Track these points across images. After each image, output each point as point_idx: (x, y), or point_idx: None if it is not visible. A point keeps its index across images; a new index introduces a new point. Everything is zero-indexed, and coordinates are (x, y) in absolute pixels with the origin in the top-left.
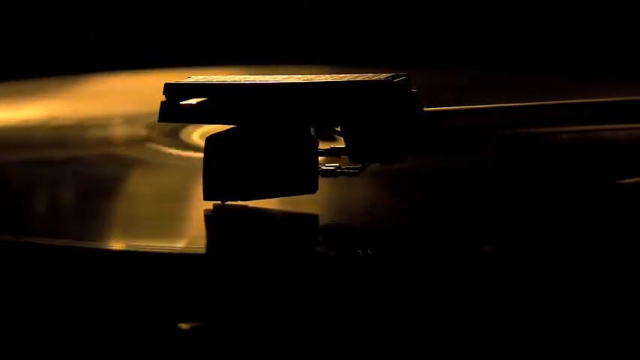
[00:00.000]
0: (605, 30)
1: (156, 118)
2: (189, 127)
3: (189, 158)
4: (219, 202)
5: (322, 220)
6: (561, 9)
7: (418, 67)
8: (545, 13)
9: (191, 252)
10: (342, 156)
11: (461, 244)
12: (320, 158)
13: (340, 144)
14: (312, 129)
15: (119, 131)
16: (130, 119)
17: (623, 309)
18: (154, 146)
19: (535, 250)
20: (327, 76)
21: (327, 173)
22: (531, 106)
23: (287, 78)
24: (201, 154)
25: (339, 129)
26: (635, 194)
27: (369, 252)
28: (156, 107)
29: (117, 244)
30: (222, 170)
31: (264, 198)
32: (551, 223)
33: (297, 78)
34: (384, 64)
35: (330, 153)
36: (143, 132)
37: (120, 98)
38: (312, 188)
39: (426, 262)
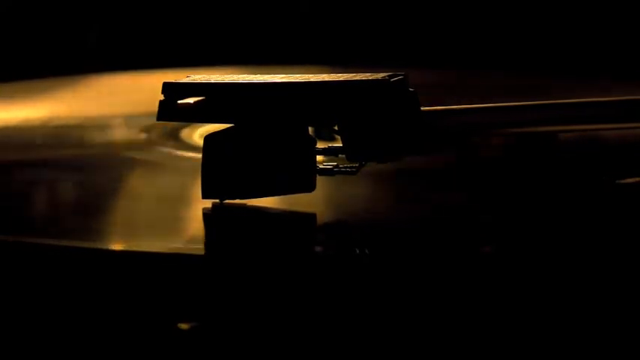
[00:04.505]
0: (605, 30)
1: (155, 117)
2: (189, 127)
3: (189, 158)
4: (217, 200)
5: (320, 219)
6: (561, 8)
7: (418, 66)
8: (546, 12)
9: (191, 252)
10: (340, 155)
11: (461, 244)
12: (318, 157)
13: (338, 143)
14: (311, 128)
15: (119, 131)
16: (129, 119)
17: (623, 309)
18: (153, 146)
19: (535, 250)
20: (325, 75)
21: (325, 172)
22: (531, 106)
23: (285, 77)
24: (200, 154)
25: (336, 128)
26: (635, 194)
27: (367, 251)
28: (156, 107)
29: (117, 244)
30: (220, 169)
31: (263, 196)
32: (552, 223)
33: (295, 77)
34: (382, 64)
35: (328, 152)
36: (143, 132)
37: (120, 98)
38: (310, 187)
39: (425, 262)
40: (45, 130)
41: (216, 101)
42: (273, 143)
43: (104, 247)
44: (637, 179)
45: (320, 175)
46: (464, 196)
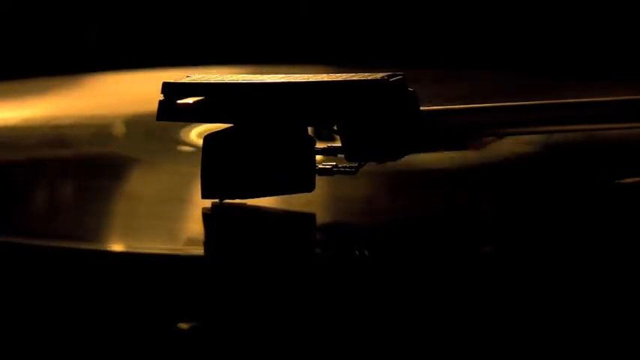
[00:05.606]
0: (605, 30)
1: (155, 117)
2: (189, 127)
3: (189, 158)
4: (217, 200)
5: (320, 219)
6: (561, 8)
7: (417, 66)
8: (546, 12)
9: (191, 252)
10: (339, 155)
11: (461, 244)
12: (317, 157)
13: (338, 143)
14: (311, 128)
15: (119, 131)
16: (129, 119)
17: (623, 309)
18: (153, 146)
19: (535, 250)
20: (324, 75)
21: (324, 172)
22: (531, 106)
23: (285, 77)
24: (199, 154)
25: (336, 128)
26: (635, 194)
27: (367, 251)
28: (155, 107)
29: (117, 245)
30: (220, 169)
31: (262, 196)
32: (552, 223)
33: (295, 77)
34: (382, 64)
35: (327, 152)
36: (142, 132)
37: (120, 98)
38: (309, 187)
39: (425, 262)
40: (45, 130)
41: (216, 101)
42: (273, 143)
43: (104, 247)
44: (637, 179)
45: (319, 175)
46: (464, 196)
